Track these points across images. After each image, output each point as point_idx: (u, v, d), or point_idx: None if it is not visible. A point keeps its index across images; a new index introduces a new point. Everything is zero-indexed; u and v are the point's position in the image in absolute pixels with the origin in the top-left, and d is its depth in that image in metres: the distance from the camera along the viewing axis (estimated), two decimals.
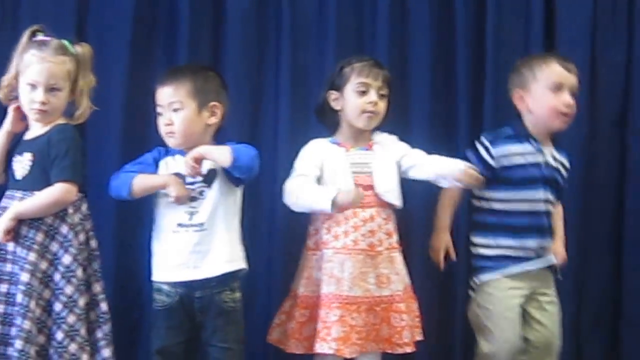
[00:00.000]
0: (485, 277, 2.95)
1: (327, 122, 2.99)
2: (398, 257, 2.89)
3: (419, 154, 2.93)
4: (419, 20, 3.45)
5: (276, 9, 3.40)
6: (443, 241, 3.02)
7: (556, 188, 2.97)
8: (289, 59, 3.37)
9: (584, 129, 3.45)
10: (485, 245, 2.97)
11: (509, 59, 3.23)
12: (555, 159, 2.96)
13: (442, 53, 3.46)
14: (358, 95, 2.88)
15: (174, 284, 2.75)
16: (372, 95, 2.87)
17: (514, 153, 2.91)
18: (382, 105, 2.90)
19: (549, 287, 3.02)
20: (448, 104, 3.45)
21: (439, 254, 3.02)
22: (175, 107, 2.76)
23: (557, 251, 3.03)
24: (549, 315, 2.99)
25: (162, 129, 2.80)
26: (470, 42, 3.45)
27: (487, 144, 2.94)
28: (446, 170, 2.81)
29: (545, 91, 2.88)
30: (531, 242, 2.93)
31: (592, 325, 3.54)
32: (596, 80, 3.49)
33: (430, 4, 3.45)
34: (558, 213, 3.08)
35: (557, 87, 2.87)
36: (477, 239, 3.00)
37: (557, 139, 3.04)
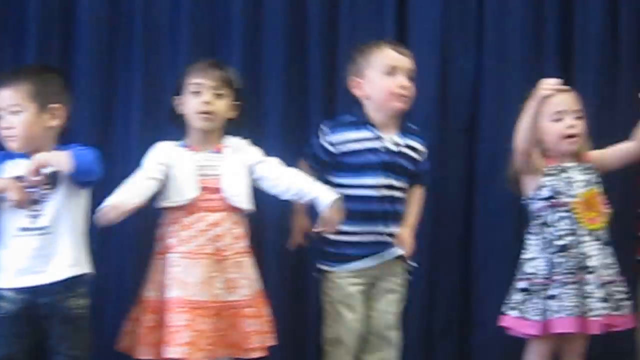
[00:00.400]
0: (328, 263, 2.97)
1: (178, 126, 2.96)
2: (247, 262, 2.86)
3: (274, 164, 2.91)
4: (272, 22, 3.46)
5: (129, 11, 3.36)
6: (301, 223, 3.03)
7: (403, 174, 2.98)
8: (142, 62, 3.34)
9: (434, 135, 3.50)
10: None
11: None
12: (398, 144, 2.96)
13: (296, 54, 3.47)
14: (193, 96, 2.86)
15: (17, 290, 2.67)
16: (205, 96, 2.84)
17: (352, 139, 2.93)
18: (219, 105, 2.87)
19: (393, 275, 3.01)
20: (301, 104, 3.47)
21: (297, 236, 3.04)
22: (14, 110, 2.69)
23: (402, 238, 2.99)
24: (388, 302, 3.00)
25: (2, 132, 2.73)
26: (323, 44, 3.47)
27: (326, 130, 2.96)
28: (308, 198, 2.81)
29: (380, 75, 2.91)
30: (373, 228, 2.93)
31: (442, 330, 3.59)
32: (446, 87, 3.57)
33: (282, 5, 3.47)
34: (413, 198, 3.08)
35: (392, 71, 2.92)
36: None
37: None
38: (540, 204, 2.86)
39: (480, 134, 3.58)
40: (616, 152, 3.00)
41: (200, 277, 2.75)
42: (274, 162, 2.91)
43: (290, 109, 3.45)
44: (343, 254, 2.94)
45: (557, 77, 3.30)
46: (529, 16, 3.63)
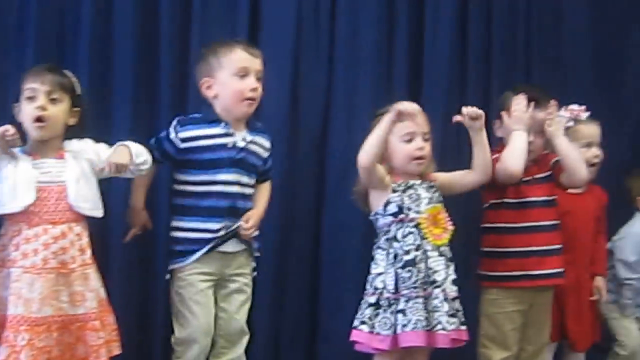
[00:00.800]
0: (177, 261, 2.93)
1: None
2: (92, 274, 2.76)
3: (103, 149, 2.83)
4: (122, 20, 3.37)
5: None
6: (139, 219, 3.01)
7: (253, 170, 2.98)
8: None
9: (285, 148, 3.52)
10: (180, 228, 2.94)
11: None
12: (248, 141, 2.96)
13: (146, 51, 3.40)
14: (27, 102, 2.74)
15: None
16: (39, 101, 2.72)
17: (201, 135, 2.91)
18: (54, 111, 2.73)
19: (241, 274, 3.01)
20: (151, 103, 3.40)
21: (136, 231, 3.02)
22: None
23: (248, 216, 2.96)
24: (235, 302, 2.98)
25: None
26: (174, 42, 3.42)
27: (176, 126, 2.93)
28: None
29: (231, 77, 2.89)
30: (223, 224, 2.91)
31: (290, 341, 3.61)
32: (298, 101, 3.58)
33: (134, 6, 3.38)
34: (262, 191, 3.09)
35: (242, 73, 2.90)
36: (174, 223, 2.97)
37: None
38: (388, 219, 2.89)
39: (331, 147, 3.62)
40: (458, 180, 3.07)
41: (43, 292, 2.63)
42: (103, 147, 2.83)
43: (140, 106, 3.37)
44: (192, 250, 2.91)
45: (407, 94, 3.44)
46: (381, 32, 3.70)
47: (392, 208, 2.89)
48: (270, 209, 3.41)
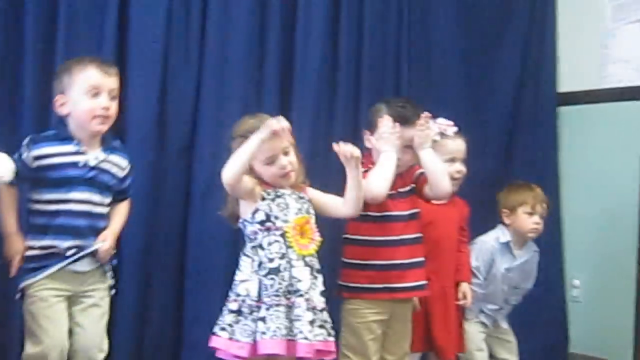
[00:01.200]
0: (28, 277, 2.84)
1: None
2: None
3: None
4: None
5: None
6: (16, 245, 2.87)
7: (105, 189, 2.92)
8: None
9: (152, 154, 3.48)
10: (32, 247, 2.85)
11: None
12: (100, 160, 2.90)
13: (6, 68, 3.30)
14: None
15: None
16: None
17: (53, 154, 2.84)
18: None
19: (97, 289, 2.94)
20: (13, 112, 3.31)
21: (16, 261, 2.87)
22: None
23: (104, 236, 2.92)
24: (91, 318, 2.92)
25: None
26: (38, 59, 3.32)
27: (28, 144, 2.85)
28: None
29: (82, 96, 2.84)
30: (75, 242, 2.84)
31: (155, 350, 3.56)
32: (165, 107, 3.54)
33: None
34: (118, 211, 3.03)
35: (94, 91, 2.85)
36: (28, 242, 2.87)
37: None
38: (255, 226, 2.87)
39: (198, 155, 3.59)
40: (329, 206, 3.03)
41: None
42: None
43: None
44: (43, 266, 2.83)
45: (277, 102, 3.44)
46: (252, 38, 3.70)
47: (260, 216, 2.87)
48: (136, 217, 3.37)
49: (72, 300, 2.88)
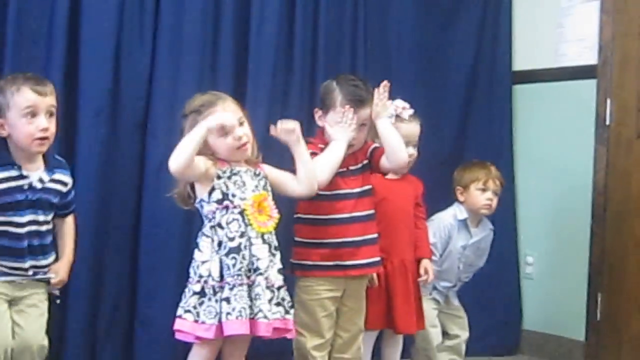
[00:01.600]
0: None
1: None
2: None
3: None
4: None
5: None
6: None
7: (50, 208, 2.88)
8: None
9: (105, 130, 3.45)
10: None
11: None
12: (44, 180, 2.84)
13: None
14: None
15: None
16: None
17: None
18: None
19: (36, 293, 2.90)
20: None
21: None
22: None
23: (56, 269, 2.92)
24: (28, 317, 2.86)
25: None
26: None
27: None
28: None
29: (20, 119, 2.77)
30: (20, 264, 2.82)
31: (109, 326, 3.53)
32: (119, 81, 3.49)
33: None
34: (66, 229, 3.00)
35: (31, 113, 2.78)
36: None
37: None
38: (213, 206, 2.84)
39: (152, 135, 3.56)
40: (284, 183, 3.02)
41: None
42: None
43: None
44: None
45: (232, 82, 3.41)
46: (206, 18, 3.67)
47: (217, 195, 2.84)
48: (89, 192, 3.35)
49: (12, 303, 2.85)
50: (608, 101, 4.19)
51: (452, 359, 3.76)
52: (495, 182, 3.69)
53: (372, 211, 3.22)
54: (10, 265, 2.80)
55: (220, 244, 2.80)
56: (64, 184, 2.92)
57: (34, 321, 2.88)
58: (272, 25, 3.80)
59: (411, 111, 3.41)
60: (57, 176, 2.88)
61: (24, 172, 2.79)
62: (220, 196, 2.83)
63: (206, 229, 2.85)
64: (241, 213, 2.83)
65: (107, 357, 3.53)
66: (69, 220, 3.01)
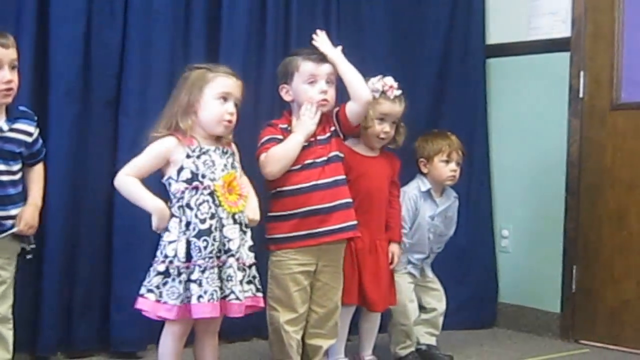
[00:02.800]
0: None
1: None
2: None
3: None
4: None
5: None
6: None
7: (12, 157, 2.80)
8: None
9: (77, 108, 3.41)
10: None
11: None
12: (4, 129, 2.76)
13: None
14: None
15: None
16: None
17: None
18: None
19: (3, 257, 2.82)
20: None
21: None
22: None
23: (22, 215, 2.80)
24: None
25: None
26: None
27: None
28: None
29: None
30: None
31: (84, 307, 3.52)
32: (90, 58, 3.46)
33: None
34: (33, 177, 2.90)
35: None
36: None
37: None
38: (181, 185, 2.81)
39: (124, 107, 3.53)
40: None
41: None
42: None
43: None
44: None
45: (205, 50, 3.38)
46: None
47: (186, 174, 2.81)
48: (61, 171, 3.33)
49: None
50: (581, 74, 4.21)
51: (429, 331, 3.77)
52: (458, 153, 3.69)
53: (342, 177, 3.20)
54: None
55: (188, 224, 2.78)
56: (29, 134, 2.85)
57: None
58: (244, 0, 3.77)
59: (398, 92, 3.39)
60: (18, 125, 2.82)
61: None
62: (189, 175, 2.81)
63: (174, 209, 2.82)
64: (211, 194, 2.81)
65: (83, 336, 3.52)
66: (37, 168, 2.93)
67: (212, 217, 2.79)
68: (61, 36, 3.36)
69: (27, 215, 2.81)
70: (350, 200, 3.21)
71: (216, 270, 2.76)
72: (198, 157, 2.83)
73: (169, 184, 2.85)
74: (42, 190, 2.93)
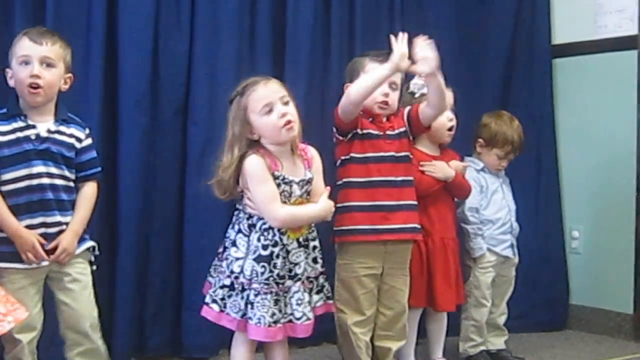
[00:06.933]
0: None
1: None
2: None
3: None
4: None
5: None
6: (26, 240, 2.75)
7: (63, 162, 2.82)
8: None
9: (146, 118, 3.47)
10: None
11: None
12: (53, 131, 2.81)
13: None
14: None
15: None
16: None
17: (3, 132, 2.77)
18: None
19: (75, 270, 2.86)
20: None
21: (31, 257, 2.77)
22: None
23: (61, 244, 2.78)
24: (74, 294, 2.84)
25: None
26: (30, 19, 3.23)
27: None
28: None
29: (17, 66, 2.79)
30: (41, 219, 2.77)
31: (156, 311, 3.57)
32: (158, 71, 3.52)
33: None
34: (81, 199, 2.88)
35: (25, 61, 2.78)
36: None
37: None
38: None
39: (193, 118, 3.58)
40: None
41: None
42: None
43: None
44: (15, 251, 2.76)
45: (270, 62, 3.42)
46: (243, 1, 3.67)
47: None
48: (132, 179, 3.37)
49: (50, 278, 2.85)
50: None
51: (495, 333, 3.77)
52: (515, 154, 3.69)
53: (410, 177, 3.21)
54: (30, 223, 2.75)
55: (255, 246, 2.79)
56: (78, 139, 2.87)
57: (79, 297, 2.85)
58: (308, 8, 3.80)
59: (424, 90, 3.30)
60: (66, 128, 2.86)
61: (30, 122, 2.80)
62: None
63: (244, 226, 2.82)
64: None
65: (155, 342, 3.57)
66: (87, 189, 2.90)
67: (275, 245, 2.78)
68: (130, 47, 3.43)
69: (66, 244, 2.81)
70: (415, 202, 3.22)
71: (269, 297, 2.75)
72: (278, 185, 2.79)
73: (245, 194, 2.84)
74: (86, 216, 2.89)
